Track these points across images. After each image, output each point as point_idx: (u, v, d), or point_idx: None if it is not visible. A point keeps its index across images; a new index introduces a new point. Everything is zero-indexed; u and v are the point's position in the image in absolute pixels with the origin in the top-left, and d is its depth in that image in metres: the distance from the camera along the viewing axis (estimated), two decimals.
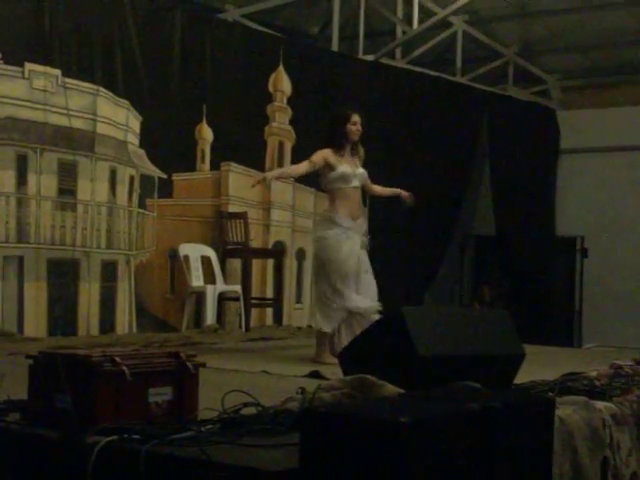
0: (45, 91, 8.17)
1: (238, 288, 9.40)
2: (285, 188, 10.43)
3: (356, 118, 7.09)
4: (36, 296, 8.15)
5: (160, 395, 3.55)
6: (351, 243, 6.95)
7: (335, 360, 6.50)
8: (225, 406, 3.63)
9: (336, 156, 6.99)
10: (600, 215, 13.49)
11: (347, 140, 7.06)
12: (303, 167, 7.06)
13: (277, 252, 10.35)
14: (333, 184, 6.99)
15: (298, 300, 10.78)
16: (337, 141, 7.04)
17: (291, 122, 10.43)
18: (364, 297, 6.90)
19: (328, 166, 6.96)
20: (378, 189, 7.70)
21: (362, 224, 7.14)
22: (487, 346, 4.76)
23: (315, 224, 7.27)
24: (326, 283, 6.86)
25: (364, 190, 7.47)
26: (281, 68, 10.47)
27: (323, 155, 6.97)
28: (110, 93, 8.72)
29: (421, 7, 11.83)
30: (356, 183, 7.07)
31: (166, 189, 9.35)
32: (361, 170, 7.15)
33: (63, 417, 3.40)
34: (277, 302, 10.05)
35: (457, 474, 2.93)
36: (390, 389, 3.99)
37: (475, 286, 13.63)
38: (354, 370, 4.37)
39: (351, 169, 7.02)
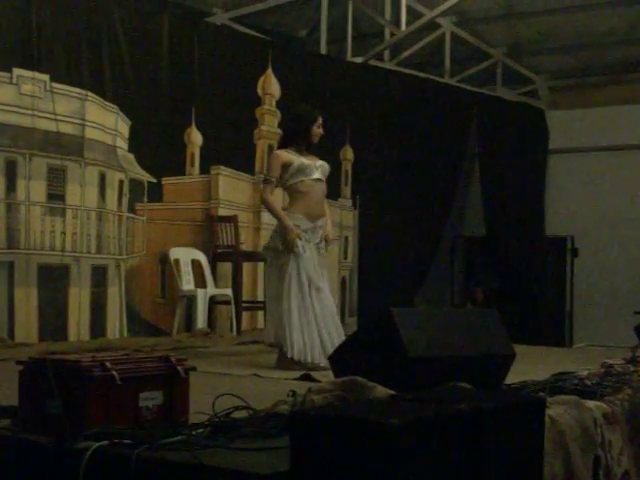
0: (33, 96, 8.16)
1: (229, 292, 9.40)
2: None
3: (321, 120, 6.87)
4: (26, 301, 8.13)
5: (151, 399, 3.55)
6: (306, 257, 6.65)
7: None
8: (216, 410, 3.63)
9: (293, 153, 6.78)
10: (590, 215, 13.52)
11: (308, 142, 6.84)
12: (273, 194, 6.86)
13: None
14: (292, 179, 6.73)
15: None
16: (297, 141, 6.84)
17: (280, 125, 10.42)
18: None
19: (285, 166, 6.72)
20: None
21: (320, 227, 6.80)
22: (477, 346, 4.76)
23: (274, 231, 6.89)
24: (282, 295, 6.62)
25: None
26: (270, 71, 10.47)
27: (277, 163, 6.75)
28: (99, 98, 8.71)
29: (409, 9, 11.82)
30: (318, 175, 6.79)
31: (156, 193, 9.34)
32: (321, 162, 6.87)
33: (54, 422, 3.39)
34: None
35: (448, 475, 2.93)
36: (381, 391, 3.99)
37: (466, 287, 13.64)
38: (344, 372, 4.37)
39: (310, 161, 6.78)
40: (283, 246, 6.65)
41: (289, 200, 6.87)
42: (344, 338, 6.45)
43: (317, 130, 6.85)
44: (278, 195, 7.27)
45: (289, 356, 6.51)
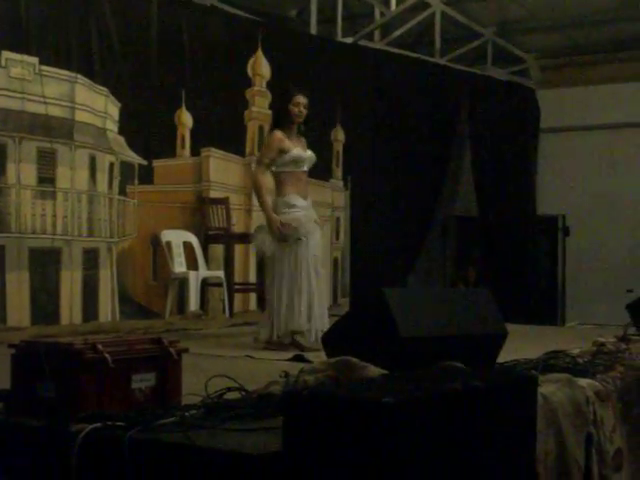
0: (23, 79, 8.13)
1: (221, 274, 9.40)
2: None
3: (300, 99, 6.75)
4: (18, 285, 8.12)
5: (143, 381, 3.55)
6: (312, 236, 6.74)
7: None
8: (209, 391, 3.64)
9: (287, 138, 6.75)
10: (581, 194, 13.54)
11: (290, 121, 6.78)
12: (266, 180, 6.85)
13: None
14: (284, 167, 6.72)
15: None
16: (283, 122, 6.79)
17: (270, 106, 10.39)
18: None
19: (281, 151, 6.70)
20: None
21: (310, 205, 6.87)
22: (469, 326, 4.76)
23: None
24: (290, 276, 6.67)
25: None
26: (260, 52, 10.44)
27: (275, 146, 6.70)
28: (88, 80, 8.68)
29: None
30: (306, 167, 6.84)
31: (146, 175, 9.32)
32: (310, 152, 6.87)
33: (46, 406, 3.39)
34: (260, 287, 10.01)
35: (441, 453, 2.94)
36: (373, 370, 3.99)
37: (458, 267, 13.65)
38: (337, 352, 4.38)
39: (303, 152, 6.79)
40: (277, 235, 6.68)
41: (278, 183, 6.84)
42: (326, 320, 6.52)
43: (294, 109, 6.74)
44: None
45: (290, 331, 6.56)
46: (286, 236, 6.64)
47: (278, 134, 6.79)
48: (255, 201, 9.94)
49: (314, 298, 6.66)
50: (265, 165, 6.79)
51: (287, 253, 6.68)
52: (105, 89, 8.84)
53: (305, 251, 6.65)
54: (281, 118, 6.83)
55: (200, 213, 9.72)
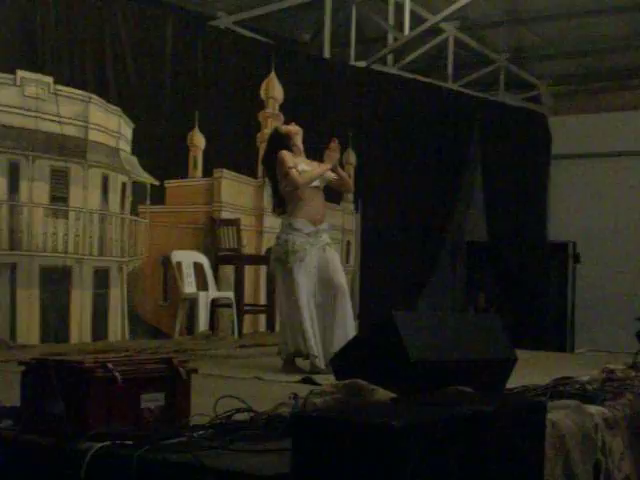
0: (37, 98, 8.17)
1: (231, 295, 9.40)
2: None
3: (292, 128, 6.80)
4: (29, 303, 8.14)
5: (152, 401, 3.55)
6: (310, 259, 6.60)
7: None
8: (217, 412, 3.64)
9: (294, 157, 6.68)
10: (592, 220, 13.52)
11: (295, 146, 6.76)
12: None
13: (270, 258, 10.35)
14: (291, 186, 6.62)
15: None
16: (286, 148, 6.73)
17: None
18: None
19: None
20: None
21: (324, 230, 6.75)
22: (479, 351, 4.77)
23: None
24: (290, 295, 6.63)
25: (341, 188, 7.29)
26: (273, 75, 10.47)
27: (288, 157, 6.60)
28: (102, 100, 8.73)
29: (412, 14, 11.82)
30: (317, 182, 6.70)
31: (158, 196, 9.35)
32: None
33: (55, 423, 3.40)
34: (270, 308, 10.02)
35: (448, 478, 2.93)
36: (382, 394, 3.99)
37: (468, 292, 13.64)
38: (346, 375, 4.38)
39: (309, 167, 6.68)
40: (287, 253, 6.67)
41: (289, 205, 6.73)
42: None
43: (294, 148, 6.74)
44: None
45: (317, 365, 6.47)
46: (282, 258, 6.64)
47: (284, 152, 6.68)
48: (266, 222, 10.10)
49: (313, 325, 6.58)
50: (295, 170, 6.60)
51: (284, 274, 6.66)
52: (119, 109, 8.88)
53: (298, 274, 6.57)
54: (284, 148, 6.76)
55: (211, 234, 9.73)
